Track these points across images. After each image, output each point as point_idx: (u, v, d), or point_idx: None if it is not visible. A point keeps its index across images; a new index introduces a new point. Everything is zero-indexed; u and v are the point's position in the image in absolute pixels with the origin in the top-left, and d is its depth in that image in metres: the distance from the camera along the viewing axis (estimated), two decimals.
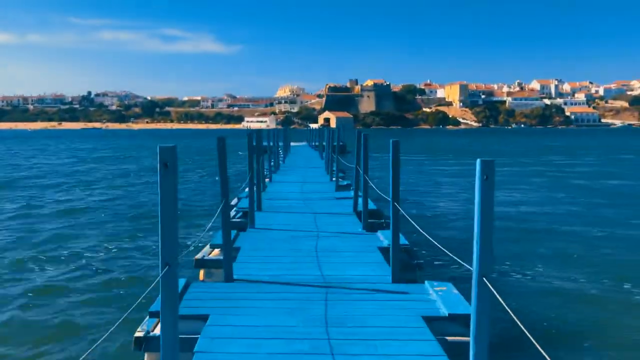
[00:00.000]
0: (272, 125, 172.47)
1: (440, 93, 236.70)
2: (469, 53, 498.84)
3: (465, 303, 5.82)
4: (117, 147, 71.60)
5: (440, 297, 6.08)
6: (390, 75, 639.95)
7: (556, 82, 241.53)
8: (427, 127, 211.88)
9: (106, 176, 31.88)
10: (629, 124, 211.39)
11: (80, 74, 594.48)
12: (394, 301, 6.12)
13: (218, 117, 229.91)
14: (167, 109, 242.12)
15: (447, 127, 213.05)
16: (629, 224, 16.18)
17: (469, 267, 4.31)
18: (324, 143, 24.54)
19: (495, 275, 9.23)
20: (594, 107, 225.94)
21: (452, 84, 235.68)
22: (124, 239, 14.06)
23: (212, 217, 7.06)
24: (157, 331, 5.17)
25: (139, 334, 5.27)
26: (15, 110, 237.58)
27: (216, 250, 8.39)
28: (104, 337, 3.55)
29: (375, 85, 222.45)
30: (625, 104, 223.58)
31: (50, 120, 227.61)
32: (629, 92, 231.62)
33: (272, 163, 20.74)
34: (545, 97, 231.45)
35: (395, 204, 6.80)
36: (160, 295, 3.59)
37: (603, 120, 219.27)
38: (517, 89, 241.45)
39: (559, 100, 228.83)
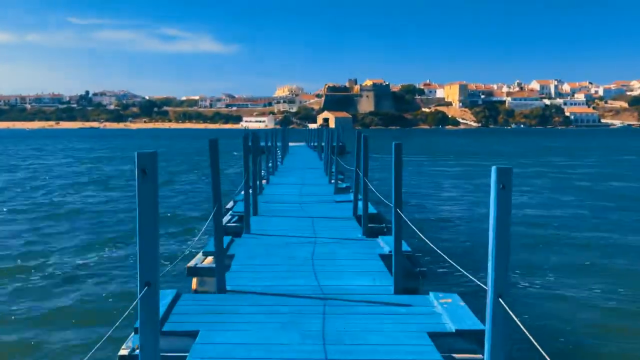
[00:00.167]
0: (271, 125, 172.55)
1: (440, 93, 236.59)
2: (468, 53, 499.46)
3: (473, 317, 5.49)
4: (114, 147, 71.19)
5: (446, 310, 5.72)
6: (390, 75, 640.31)
7: (556, 83, 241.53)
8: (427, 127, 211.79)
9: (100, 177, 31.50)
10: (629, 125, 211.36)
11: (79, 74, 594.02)
12: (396, 315, 5.75)
13: (216, 117, 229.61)
14: (165, 108, 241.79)
15: (447, 127, 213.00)
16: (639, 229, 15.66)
17: (479, 283, 3.95)
18: (323, 144, 24.20)
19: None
20: (593, 108, 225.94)
21: (451, 84, 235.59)
22: (115, 245, 13.57)
23: (207, 221, 6.68)
24: None
25: (123, 351, 4.95)
26: (13, 109, 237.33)
27: (209, 258, 8.04)
28: (88, 355, 3.33)
29: (374, 85, 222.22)
30: (625, 105, 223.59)
31: (47, 119, 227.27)
32: (628, 93, 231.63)
33: (270, 164, 20.42)
34: (544, 98, 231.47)
35: (398, 210, 6.43)
36: (139, 318, 3.22)
37: (603, 121, 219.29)
38: (517, 89, 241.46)
39: (559, 101, 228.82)
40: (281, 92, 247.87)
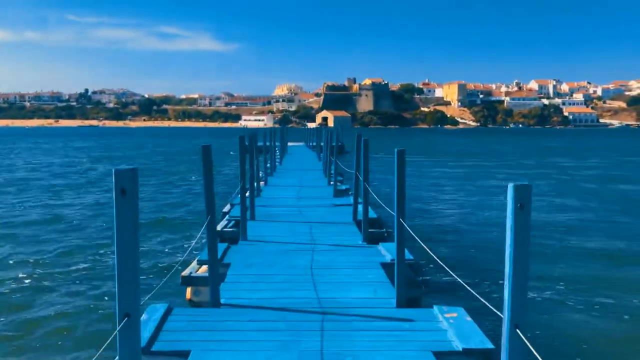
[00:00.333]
0: (270, 124, 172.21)
1: (439, 92, 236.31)
2: (467, 53, 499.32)
3: (481, 334, 5.21)
4: (112, 146, 70.81)
5: (452, 325, 5.42)
6: (389, 74, 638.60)
7: (554, 82, 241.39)
8: (425, 126, 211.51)
9: (99, 177, 31.16)
10: (627, 124, 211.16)
11: (78, 72, 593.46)
12: (399, 331, 5.44)
13: (215, 116, 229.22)
14: (165, 106, 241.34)
15: (445, 126, 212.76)
16: None
17: (494, 309, 3.65)
18: (322, 144, 23.86)
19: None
20: (592, 108, 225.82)
21: (450, 83, 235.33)
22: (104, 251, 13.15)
23: (203, 225, 6.28)
24: None
25: None
26: (12, 107, 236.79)
27: (204, 267, 7.72)
28: None
29: (373, 84, 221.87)
30: (623, 105, 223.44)
31: (47, 117, 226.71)
32: (627, 93, 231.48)
33: (268, 165, 20.05)
34: (543, 97, 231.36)
35: (401, 220, 6.12)
36: (118, 353, 2.89)
37: (601, 121, 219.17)
38: (515, 88, 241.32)
39: (557, 100, 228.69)
40: (280, 90, 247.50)
